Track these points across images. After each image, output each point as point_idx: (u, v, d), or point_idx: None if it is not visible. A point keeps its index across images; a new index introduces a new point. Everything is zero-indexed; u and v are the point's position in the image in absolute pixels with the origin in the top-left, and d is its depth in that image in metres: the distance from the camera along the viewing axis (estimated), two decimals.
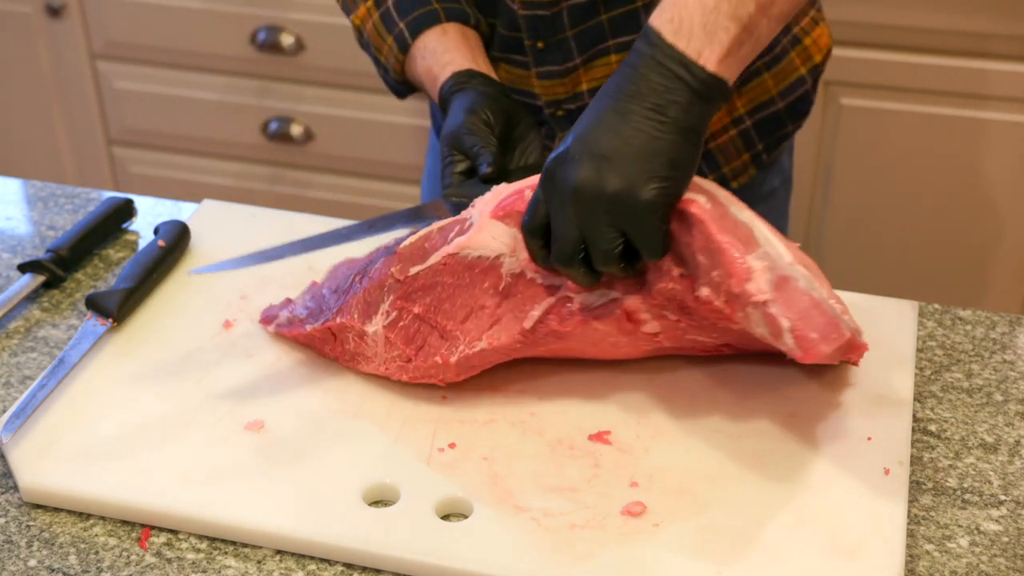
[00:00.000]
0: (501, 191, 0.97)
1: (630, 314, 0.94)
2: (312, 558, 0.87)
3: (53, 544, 0.89)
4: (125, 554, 0.88)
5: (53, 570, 0.87)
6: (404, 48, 1.17)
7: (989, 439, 0.97)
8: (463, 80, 1.12)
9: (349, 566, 0.87)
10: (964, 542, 0.88)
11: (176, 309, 1.10)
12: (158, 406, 0.98)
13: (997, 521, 0.90)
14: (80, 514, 0.91)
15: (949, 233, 1.99)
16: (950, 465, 0.95)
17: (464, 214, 0.97)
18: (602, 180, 0.87)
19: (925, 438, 0.97)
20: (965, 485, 0.93)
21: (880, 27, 1.85)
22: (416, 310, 0.96)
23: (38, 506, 0.92)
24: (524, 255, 0.94)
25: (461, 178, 1.06)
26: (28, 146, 2.46)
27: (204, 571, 0.87)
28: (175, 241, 1.16)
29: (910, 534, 0.88)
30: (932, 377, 1.03)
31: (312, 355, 1.04)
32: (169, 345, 1.05)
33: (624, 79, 0.89)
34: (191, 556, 0.88)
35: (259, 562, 0.87)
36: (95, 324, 1.06)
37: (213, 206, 1.24)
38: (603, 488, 0.90)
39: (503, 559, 0.85)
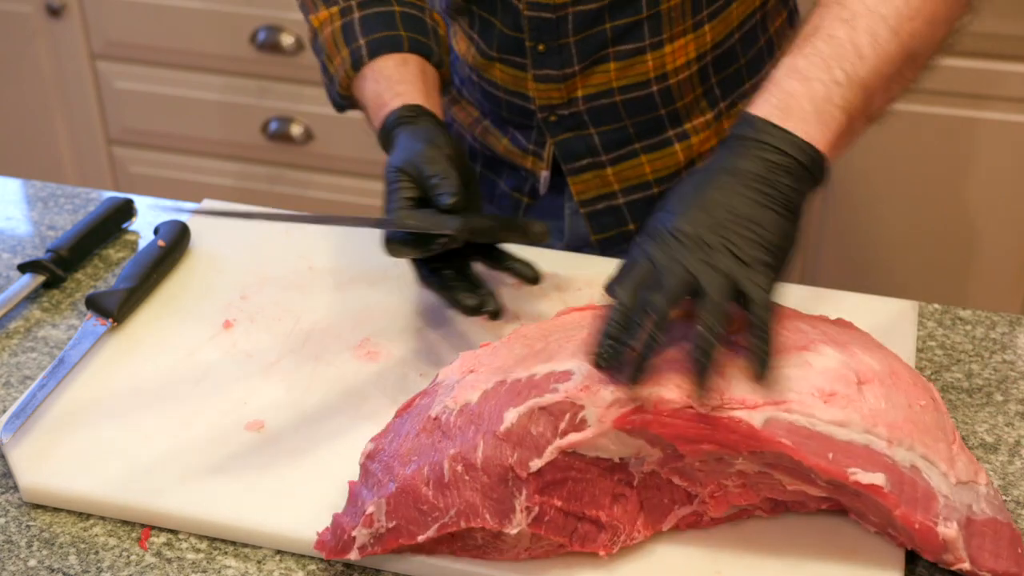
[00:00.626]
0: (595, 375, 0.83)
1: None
2: (312, 558, 0.87)
3: (53, 544, 0.89)
4: (125, 554, 0.88)
5: (53, 570, 0.87)
6: (357, 65, 1.11)
7: (989, 439, 0.97)
8: (414, 114, 1.06)
9: (349, 566, 0.87)
10: None
11: (176, 309, 1.10)
12: (158, 406, 0.98)
13: None
14: (80, 514, 0.91)
15: (949, 233, 1.99)
16: None
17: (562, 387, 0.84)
18: (716, 228, 0.82)
19: None
20: None
21: None
22: (558, 503, 0.83)
23: (38, 506, 0.92)
24: (653, 455, 0.84)
25: (409, 203, 0.98)
26: (28, 146, 2.46)
27: (204, 571, 0.87)
28: (175, 241, 1.16)
29: None
30: (932, 377, 1.03)
31: (312, 356, 1.04)
32: (169, 345, 1.05)
33: (723, 159, 0.86)
34: (191, 556, 0.88)
35: (259, 562, 0.87)
36: (95, 324, 1.06)
37: (213, 206, 1.24)
38: None
39: (503, 559, 0.85)
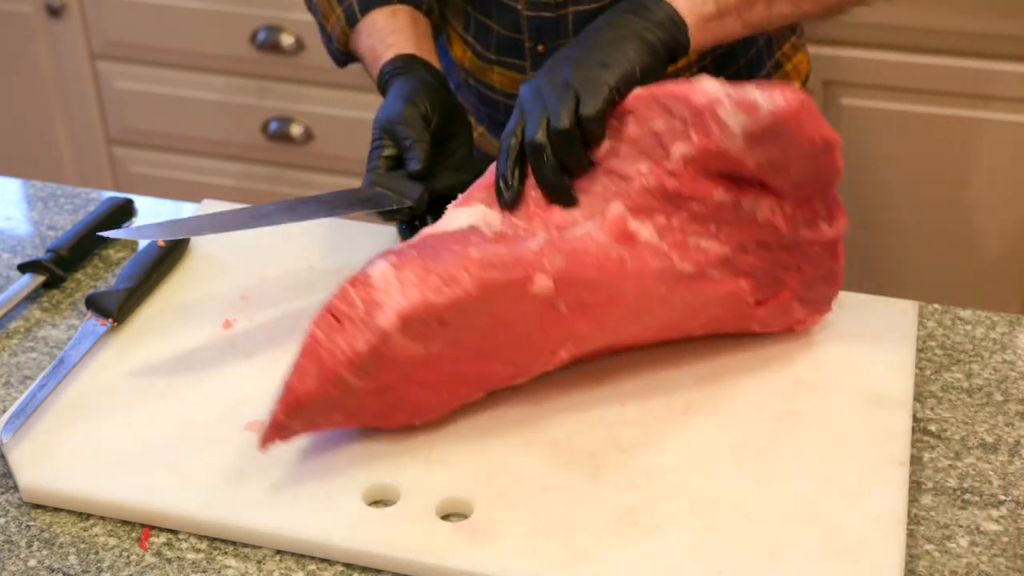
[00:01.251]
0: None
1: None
2: (312, 558, 0.87)
3: (53, 544, 0.89)
4: (125, 554, 0.88)
5: (53, 570, 0.87)
6: (352, 21, 1.17)
7: (989, 439, 0.97)
8: (404, 64, 1.12)
9: (349, 566, 0.87)
10: (964, 542, 0.88)
11: (176, 309, 1.10)
12: (158, 406, 0.98)
13: (997, 521, 0.90)
14: (80, 514, 0.91)
15: (949, 233, 1.99)
16: (950, 465, 0.95)
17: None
18: (569, 63, 0.98)
19: (925, 438, 0.97)
20: (965, 485, 0.93)
21: (880, 27, 1.85)
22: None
23: (38, 506, 0.92)
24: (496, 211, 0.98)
25: (387, 163, 1.06)
26: (28, 146, 2.46)
27: (204, 571, 0.87)
28: (175, 241, 1.16)
29: (910, 534, 0.88)
30: (932, 377, 1.03)
31: None
32: (169, 345, 1.05)
33: (600, 20, 1.02)
34: (191, 556, 0.88)
35: (259, 562, 0.87)
36: (95, 324, 1.06)
37: (213, 206, 1.24)
38: (603, 488, 0.90)
39: (503, 559, 0.85)
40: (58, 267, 1.15)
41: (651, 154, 0.95)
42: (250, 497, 0.90)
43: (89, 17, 2.26)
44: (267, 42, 2.16)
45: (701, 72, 1.20)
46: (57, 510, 0.92)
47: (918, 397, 1.01)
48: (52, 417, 0.97)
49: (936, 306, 1.12)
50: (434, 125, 1.07)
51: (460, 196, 1.00)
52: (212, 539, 0.89)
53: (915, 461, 0.95)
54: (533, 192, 0.98)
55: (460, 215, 0.97)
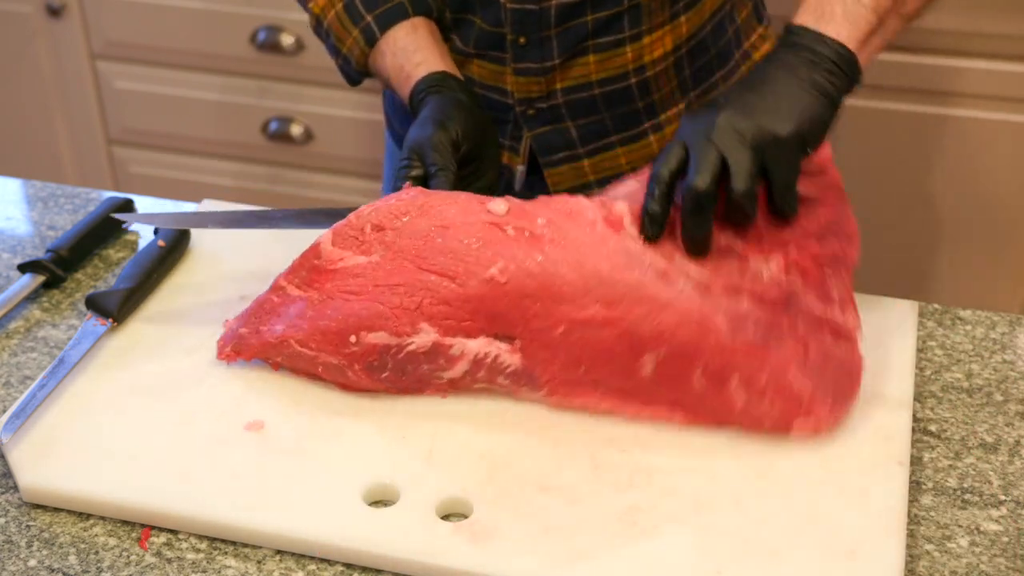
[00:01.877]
0: None
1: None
2: (312, 558, 0.87)
3: (53, 544, 0.89)
4: (125, 554, 0.88)
5: (53, 570, 0.87)
6: (371, 41, 1.17)
7: (989, 439, 0.97)
8: (437, 83, 1.12)
9: (349, 566, 0.87)
10: (964, 542, 0.88)
11: (176, 309, 1.10)
12: (158, 406, 0.98)
13: (997, 521, 0.90)
14: (80, 514, 0.91)
15: (949, 233, 1.99)
16: (950, 465, 0.95)
17: None
18: (748, 113, 0.94)
19: (925, 438, 0.97)
20: (965, 485, 0.93)
21: None
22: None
23: (38, 506, 0.92)
24: None
25: (413, 183, 1.05)
26: (28, 146, 2.46)
27: (204, 571, 0.87)
28: (175, 241, 1.16)
29: (910, 534, 0.88)
30: (932, 377, 1.03)
31: None
32: (169, 345, 1.05)
33: (767, 61, 0.99)
34: (191, 556, 0.88)
35: (259, 562, 0.87)
36: (95, 324, 1.06)
37: (213, 206, 1.24)
38: (603, 488, 0.90)
39: (503, 559, 0.85)
40: (58, 267, 1.15)
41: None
42: (250, 497, 0.90)
43: (89, 17, 2.26)
44: (267, 42, 2.16)
45: (676, 63, 1.21)
46: (57, 510, 0.92)
47: (918, 397, 1.01)
48: (52, 417, 0.97)
49: (936, 306, 1.12)
50: (463, 151, 1.07)
51: (631, 178, 1.01)
52: (212, 539, 0.89)
53: (915, 461, 0.95)
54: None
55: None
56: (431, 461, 0.93)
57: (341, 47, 1.20)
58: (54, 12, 2.26)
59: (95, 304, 1.07)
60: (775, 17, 1.33)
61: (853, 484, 0.90)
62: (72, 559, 0.88)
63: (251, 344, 1.01)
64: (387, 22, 1.17)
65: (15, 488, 0.93)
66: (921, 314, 1.10)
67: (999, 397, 1.01)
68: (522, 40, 1.18)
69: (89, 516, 0.91)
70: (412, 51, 1.15)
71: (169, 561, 0.87)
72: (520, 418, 0.97)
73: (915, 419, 0.99)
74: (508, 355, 0.94)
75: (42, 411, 0.97)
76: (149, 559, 0.88)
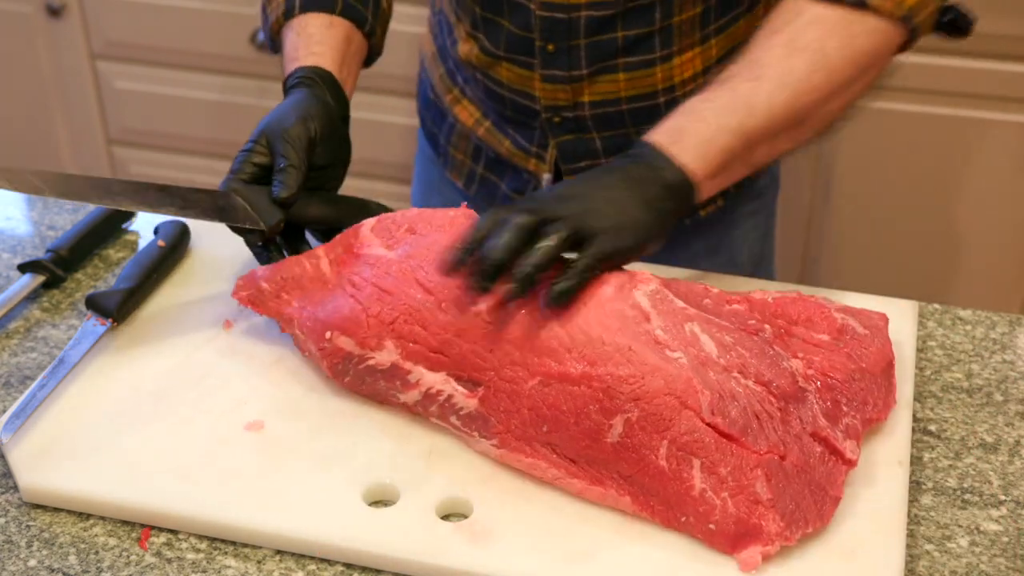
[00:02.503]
0: None
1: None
2: (312, 558, 0.87)
3: (53, 544, 0.89)
4: (125, 554, 0.88)
5: (53, 570, 0.87)
6: (288, 14, 1.17)
7: (989, 439, 0.97)
8: (317, 80, 1.10)
9: (349, 566, 0.87)
10: (964, 542, 0.88)
11: (176, 309, 1.10)
12: (158, 406, 0.98)
13: (997, 521, 0.90)
14: (80, 514, 0.91)
15: (949, 233, 1.99)
16: (950, 465, 0.95)
17: None
18: (586, 213, 0.92)
19: (925, 438, 0.97)
20: (965, 485, 0.93)
21: None
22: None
23: (38, 506, 0.92)
24: None
25: (254, 171, 1.04)
26: (28, 146, 2.46)
27: (204, 571, 0.87)
28: (175, 241, 1.16)
29: (910, 534, 0.88)
30: (932, 377, 1.03)
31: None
32: (169, 345, 1.05)
33: (608, 169, 0.98)
34: (191, 556, 0.88)
35: (259, 562, 0.87)
36: (95, 324, 1.06)
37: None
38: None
39: (503, 559, 0.85)
40: (58, 267, 1.15)
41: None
42: (250, 497, 0.90)
43: (89, 17, 2.26)
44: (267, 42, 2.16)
45: (706, 84, 1.20)
46: (57, 510, 0.92)
47: (918, 397, 1.01)
48: (52, 417, 0.97)
49: (936, 306, 1.12)
50: (317, 153, 1.05)
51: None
52: (212, 539, 0.89)
53: (915, 461, 0.95)
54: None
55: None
56: (431, 461, 0.93)
57: (268, 6, 1.20)
58: (54, 12, 2.26)
59: (95, 304, 1.07)
60: None
61: (853, 484, 0.90)
62: (72, 559, 0.88)
63: (267, 304, 1.02)
64: (310, 5, 1.16)
65: (15, 488, 0.93)
66: (921, 314, 1.10)
67: (999, 397, 1.01)
68: (551, 47, 1.18)
69: (89, 516, 0.91)
70: (315, 42, 1.14)
71: (169, 561, 0.87)
72: None
73: (915, 419, 0.99)
74: (464, 399, 0.92)
75: (42, 411, 0.97)
76: (149, 559, 0.88)
